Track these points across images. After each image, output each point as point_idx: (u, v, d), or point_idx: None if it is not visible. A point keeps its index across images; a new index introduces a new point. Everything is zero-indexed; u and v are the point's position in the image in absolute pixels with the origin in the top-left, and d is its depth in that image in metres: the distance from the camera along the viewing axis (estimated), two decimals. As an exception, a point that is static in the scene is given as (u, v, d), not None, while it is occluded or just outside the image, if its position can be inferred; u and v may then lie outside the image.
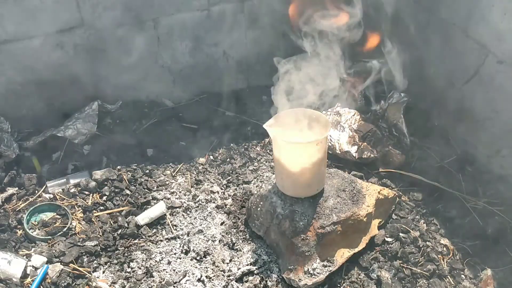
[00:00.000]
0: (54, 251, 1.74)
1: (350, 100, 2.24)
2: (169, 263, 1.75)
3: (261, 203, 1.76)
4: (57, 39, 2.15)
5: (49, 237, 1.81)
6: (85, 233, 1.83)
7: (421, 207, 1.93)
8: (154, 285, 1.67)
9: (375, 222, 1.79)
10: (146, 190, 2.03)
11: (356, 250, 1.70)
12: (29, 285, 1.63)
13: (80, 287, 1.65)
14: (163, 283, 1.67)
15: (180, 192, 2.03)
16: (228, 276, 1.69)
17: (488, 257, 1.72)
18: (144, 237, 1.84)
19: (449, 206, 1.91)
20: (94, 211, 1.93)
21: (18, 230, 1.85)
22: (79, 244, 1.78)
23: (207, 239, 1.83)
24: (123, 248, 1.80)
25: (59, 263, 1.71)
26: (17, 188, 2.02)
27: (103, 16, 2.17)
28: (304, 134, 1.64)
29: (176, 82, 2.49)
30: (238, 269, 1.70)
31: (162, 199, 1.98)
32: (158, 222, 1.90)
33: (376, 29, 2.38)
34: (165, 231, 1.87)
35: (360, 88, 2.20)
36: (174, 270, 1.72)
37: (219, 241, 1.82)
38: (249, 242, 1.81)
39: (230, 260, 1.74)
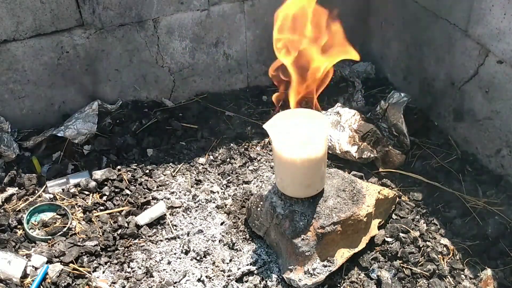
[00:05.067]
0: (54, 251, 1.74)
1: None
2: (169, 263, 1.75)
3: (261, 203, 1.76)
4: (57, 39, 2.15)
5: (49, 237, 1.81)
6: (85, 233, 1.83)
7: (421, 207, 1.93)
8: (154, 285, 1.67)
9: (375, 222, 1.79)
10: (146, 190, 2.03)
11: (356, 250, 1.70)
12: (29, 285, 1.63)
13: (80, 287, 1.65)
14: (163, 283, 1.67)
15: (180, 192, 2.03)
16: (228, 276, 1.69)
17: (488, 257, 1.72)
18: (144, 237, 1.84)
19: (449, 206, 1.91)
20: (94, 211, 1.93)
21: (18, 230, 1.85)
22: (79, 244, 1.78)
23: (207, 239, 1.83)
24: (123, 248, 1.80)
25: (59, 263, 1.71)
26: (17, 188, 2.02)
27: (103, 16, 2.17)
28: (304, 134, 1.64)
29: (176, 82, 2.49)
30: (238, 269, 1.70)
31: (162, 199, 1.98)
32: (158, 222, 1.90)
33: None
34: (165, 231, 1.87)
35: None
36: (174, 270, 1.72)
37: (219, 241, 1.82)
38: (249, 242, 1.81)
39: (230, 260, 1.74)
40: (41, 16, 2.07)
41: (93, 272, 1.71)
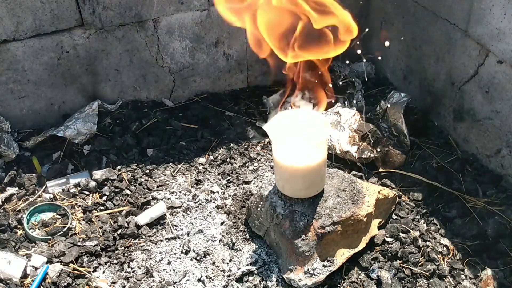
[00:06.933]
0: (54, 251, 1.74)
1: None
2: (169, 263, 1.75)
3: (261, 203, 1.77)
4: (57, 38, 2.15)
5: (49, 237, 1.81)
6: (85, 233, 1.83)
7: (421, 207, 1.93)
8: (154, 285, 1.67)
9: (375, 222, 1.79)
10: (146, 190, 2.03)
11: (356, 250, 1.70)
12: (29, 285, 1.63)
13: (80, 287, 1.65)
14: (163, 283, 1.67)
15: (180, 192, 2.03)
16: (228, 276, 1.69)
17: (488, 257, 1.72)
18: (144, 237, 1.84)
19: (449, 206, 1.91)
20: (94, 211, 1.93)
21: (18, 230, 1.85)
22: (79, 244, 1.78)
23: (207, 239, 1.83)
24: (123, 248, 1.80)
25: (59, 263, 1.71)
26: (17, 188, 2.02)
27: (103, 16, 2.17)
28: (303, 135, 1.64)
29: (176, 82, 2.49)
30: (238, 269, 1.70)
31: (162, 199, 1.98)
32: (158, 222, 1.90)
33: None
34: (165, 231, 1.87)
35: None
36: (174, 270, 1.72)
37: (219, 241, 1.82)
38: (249, 242, 1.81)
39: (230, 260, 1.74)
40: (41, 16, 2.07)
41: (93, 272, 1.71)
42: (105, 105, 2.34)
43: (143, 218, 1.88)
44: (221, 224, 1.89)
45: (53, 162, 2.16)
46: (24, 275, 1.65)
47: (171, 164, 2.17)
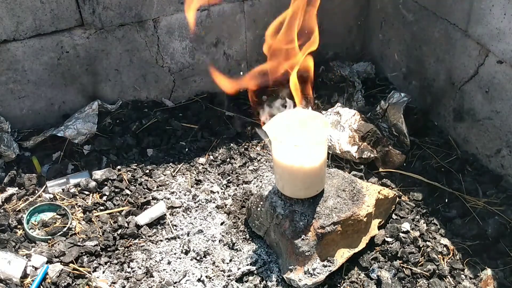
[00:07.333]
0: (54, 251, 1.74)
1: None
2: (169, 263, 1.75)
3: (261, 203, 1.77)
4: (57, 38, 2.15)
5: (49, 237, 1.81)
6: (85, 233, 1.83)
7: (421, 207, 1.93)
8: (154, 285, 1.67)
9: (375, 222, 1.79)
10: (146, 190, 2.03)
11: (356, 250, 1.70)
12: (29, 285, 1.63)
13: (80, 287, 1.65)
14: (163, 283, 1.67)
15: (180, 192, 2.03)
16: (228, 276, 1.69)
17: (488, 257, 1.72)
18: (144, 237, 1.84)
19: (449, 206, 1.91)
20: (94, 211, 1.93)
21: (18, 230, 1.85)
22: (79, 244, 1.78)
23: (207, 239, 1.83)
24: (123, 248, 1.80)
25: (59, 263, 1.71)
26: (17, 188, 2.02)
27: (103, 16, 2.17)
28: (303, 135, 1.63)
29: (176, 82, 2.49)
30: (238, 269, 1.70)
31: (162, 199, 1.98)
32: (158, 222, 1.90)
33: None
34: (165, 231, 1.87)
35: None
36: (174, 270, 1.72)
37: (219, 241, 1.82)
38: (249, 242, 1.81)
39: (230, 260, 1.74)
40: (41, 16, 2.07)
41: (93, 272, 1.71)
42: (105, 105, 2.34)
43: (143, 218, 1.88)
44: (221, 224, 1.89)
45: (53, 162, 2.16)
46: (24, 275, 1.65)
47: (171, 164, 2.17)
